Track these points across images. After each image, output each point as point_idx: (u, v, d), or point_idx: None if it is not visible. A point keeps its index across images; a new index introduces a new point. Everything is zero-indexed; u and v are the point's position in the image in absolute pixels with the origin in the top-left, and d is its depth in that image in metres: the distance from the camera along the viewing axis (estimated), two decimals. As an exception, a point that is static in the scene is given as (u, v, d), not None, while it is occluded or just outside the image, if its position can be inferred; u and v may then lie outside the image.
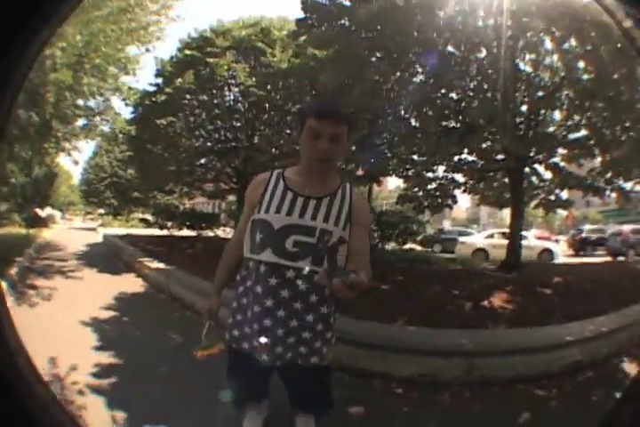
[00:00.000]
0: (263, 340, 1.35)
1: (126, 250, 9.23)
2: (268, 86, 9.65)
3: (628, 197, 6.94)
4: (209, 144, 11.56)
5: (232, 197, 13.38)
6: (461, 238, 14.26)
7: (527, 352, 3.08)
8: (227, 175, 12.21)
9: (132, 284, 6.14)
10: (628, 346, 3.69)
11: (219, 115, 10.67)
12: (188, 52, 10.41)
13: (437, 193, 7.83)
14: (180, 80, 9.69)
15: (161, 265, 6.75)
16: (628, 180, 6.66)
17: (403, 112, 6.86)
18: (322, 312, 1.40)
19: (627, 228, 14.58)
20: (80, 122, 8.78)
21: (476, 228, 25.06)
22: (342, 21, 6.04)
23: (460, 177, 8.02)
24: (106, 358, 3.03)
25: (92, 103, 8.51)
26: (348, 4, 6.05)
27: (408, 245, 8.01)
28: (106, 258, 9.04)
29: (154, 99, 10.14)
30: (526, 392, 2.82)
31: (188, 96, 10.27)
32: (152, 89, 10.86)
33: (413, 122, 6.95)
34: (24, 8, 0.52)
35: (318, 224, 1.37)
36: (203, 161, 12.04)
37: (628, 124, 5.73)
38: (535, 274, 6.82)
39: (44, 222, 19.50)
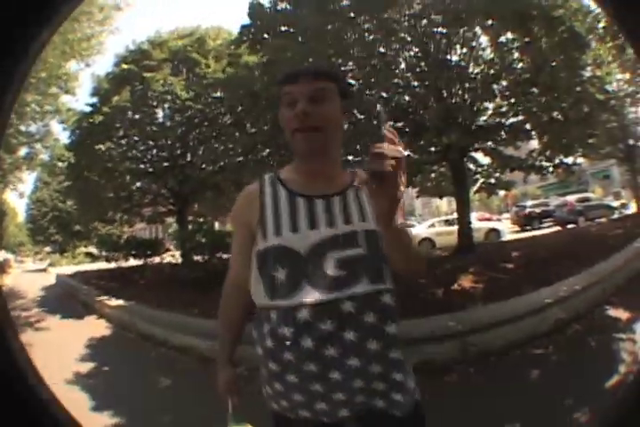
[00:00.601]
0: (338, 397, 0.94)
1: (81, 290, 9.03)
2: (203, 99, 9.51)
3: (571, 170, 7.51)
4: (143, 166, 11.09)
5: (171, 220, 12.94)
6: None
7: (512, 321, 3.30)
8: (163, 197, 11.59)
9: (97, 327, 6.11)
10: (604, 298, 4.15)
11: (152, 133, 10.28)
12: (124, 66, 10.09)
13: None
14: (116, 98, 9.35)
15: (120, 302, 6.74)
16: (569, 155, 7.20)
17: None
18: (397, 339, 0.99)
19: (571, 198, 15.82)
20: (22, 151, 8.33)
21: (414, 219, 25.89)
22: (286, 28, 6.08)
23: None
24: (108, 418, 2.89)
25: (32, 128, 8.11)
26: (292, 12, 6.17)
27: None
28: (63, 301, 8.82)
29: (91, 120, 9.69)
30: (525, 355, 3.11)
31: (125, 115, 9.91)
32: (89, 109, 10.42)
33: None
34: (24, 8, 0.52)
35: (357, 226, 0.97)
36: (139, 184, 11.52)
37: (565, 105, 6.22)
38: (492, 252, 7.23)
39: (1, 268, 18.01)
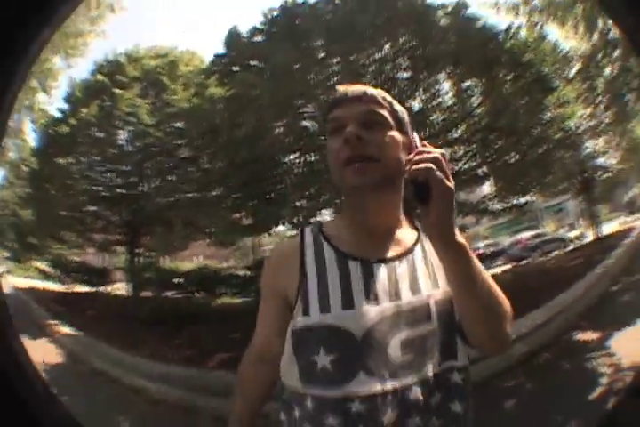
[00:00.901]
0: None
1: (33, 308, 8.82)
2: (164, 127, 9.29)
3: (524, 210, 7.71)
4: (99, 189, 10.63)
5: (121, 249, 12.57)
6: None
7: (473, 362, 3.25)
8: (115, 225, 11.10)
9: (49, 352, 5.90)
10: (569, 326, 4.42)
11: (111, 155, 9.97)
12: (99, 77, 9.85)
13: None
14: (84, 110, 9.10)
15: (71, 331, 6.75)
16: (524, 196, 7.40)
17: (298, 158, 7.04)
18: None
19: (524, 235, 16.44)
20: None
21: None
22: (256, 63, 6.08)
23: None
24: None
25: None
26: (266, 45, 6.19)
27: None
28: (18, 317, 8.33)
29: (57, 129, 9.38)
30: (495, 388, 3.22)
31: (89, 131, 9.60)
32: (59, 115, 10.12)
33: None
34: (24, 8, 0.53)
35: (428, 296, 0.78)
36: (94, 208, 10.99)
37: (523, 148, 6.40)
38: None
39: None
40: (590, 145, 12.41)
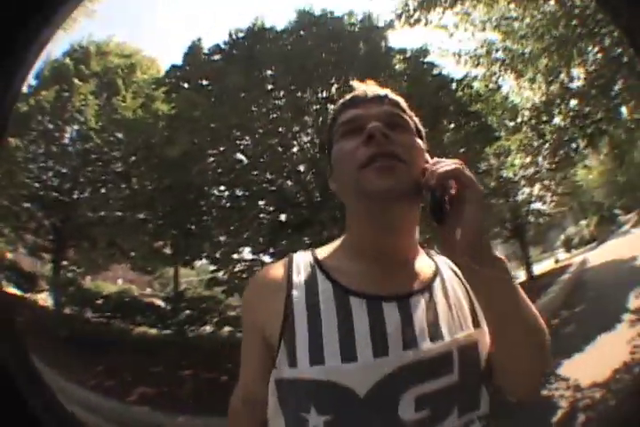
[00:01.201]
0: None
1: None
2: (105, 134, 8.94)
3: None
4: (37, 185, 10.05)
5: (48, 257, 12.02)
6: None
7: None
8: (44, 230, 10.46)
9: None
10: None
11: (53, 152, 9.52)
12: (67, 60, 9.43)
13: (245, 275, 7.25)
14: (44, 93, 8.70)
15: None
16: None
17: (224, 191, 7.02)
18: None
19: None
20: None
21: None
22: (207, 83, 6.03)
23: (267, 258, 7.28)
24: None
25: None
26: (221, 67, 6.20)
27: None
28: None
29: (19, 105, 8.59)
30: None
31: (43, 118, 9.13)
32: (26, 90, 9.27)
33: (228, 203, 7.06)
34: (24, 8, 0.53)
35: (452, 343, 0.63)
36: (29, 205, 10.31)
37: None
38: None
39: None
40: (526, 192, 12.65)
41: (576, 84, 7.69)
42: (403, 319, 0.61)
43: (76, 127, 9.45)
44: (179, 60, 10.00)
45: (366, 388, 0.57)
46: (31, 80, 9.52)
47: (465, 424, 0.62)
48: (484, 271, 0.56)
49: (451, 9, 7.44)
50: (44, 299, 10.23)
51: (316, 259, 0.68)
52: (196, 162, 5.66)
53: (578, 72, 7.64)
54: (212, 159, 6.15)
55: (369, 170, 0.61)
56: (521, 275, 16.46)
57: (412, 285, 0.65)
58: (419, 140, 0.69)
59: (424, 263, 0.69)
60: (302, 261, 0.68)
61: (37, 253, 11.31)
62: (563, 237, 20.63)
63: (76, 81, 9.02)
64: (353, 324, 0.60)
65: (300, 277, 0.65)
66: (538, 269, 15.21)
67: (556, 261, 18.01)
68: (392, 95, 0.73)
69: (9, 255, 13.57)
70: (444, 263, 0.71)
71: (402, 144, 0.64)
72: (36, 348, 5.91)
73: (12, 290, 10.00)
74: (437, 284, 0.67)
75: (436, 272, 0.69)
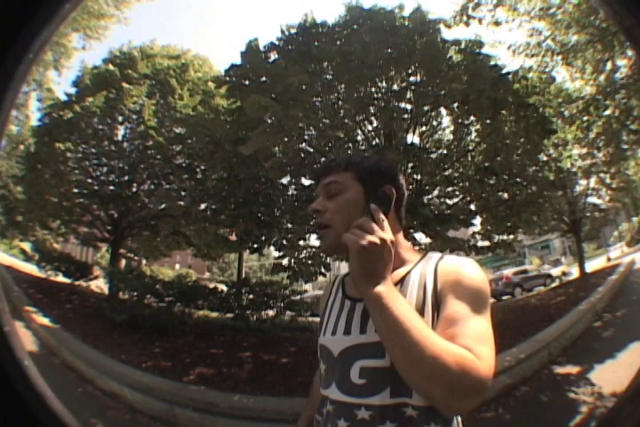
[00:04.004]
0: None
1: (12, 290, 8.69)
2: (165, 131, 9.34)
3: (512, 248, 7.90)
4: (90, 181, 10.66)
5: (103, 246, 12.57)
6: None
7: None
8: (101, 222, 11.13)
9: (24, 339, 5.73)
10: (551, 360, 4.74)
11: (108, 150, 10.03)
12: (111, 67, 9.90)
13: (310, 261, 7.64)
14: (90, 99, 9.15)
15: (46, 321, 6.71)
16: (512, 235, 7.58)
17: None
18: None
19: (507, 271, 16.81)
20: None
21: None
22: (266, 79, 6.16)
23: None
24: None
25: None
26: (280, 64, 6.35)
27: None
28: None
29: (61, 113, 9.38)
30: (475, 419, 3.34)
31: (92, 121, 9.63)
32: (65, 99, 10.10)
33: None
34: (24, 8, 0.54)
35: None
36: (83, 200, 10.96)
37: (516, 188, 6.57)
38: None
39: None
40: (582, 184, 12.54)
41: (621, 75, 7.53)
42: (362, 314, 0.93)
43: (131, 126, 9.89)
44: (224, 57, 10.24)
45: (337, 353, 0.94)
46: (70, 89, 10.34)
47: (397, 404, 0.84)
48: (362, 297, 0.84)
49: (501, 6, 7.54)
50: (100, 286, 10.82)
51: (343, 278, 1.10)
52: (267, 157, 5.85)
53: (622, 63, 7.46)
54: (280, 152, 6.31)
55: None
56: (574, 271, 16.04)
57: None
58: (352, 193, 0.97)
59: (400, 271, 0.96)
60: (339, 278, 1.12)
61: (93, 243, 12.07)
62: (616, 233, 19.83)
63: (125, 85, 9.40)
64: (340, 316, 0.99)
65: (334, 288, 1.10)
66: (592, 265, 14.81)
67: (608, 260, 17.34)
68: (329, 165, 1.04)
69: (56, 246, 14.43)
70: (429, 262, 0.96)
71: (330, 211, 0.96)
72: (87, 332, 6.26)
73: (62, 279, 10.60)
74: (411, 280, 0.93)
75: (403, 278, 0.94)
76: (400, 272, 0.95)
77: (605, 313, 6.89)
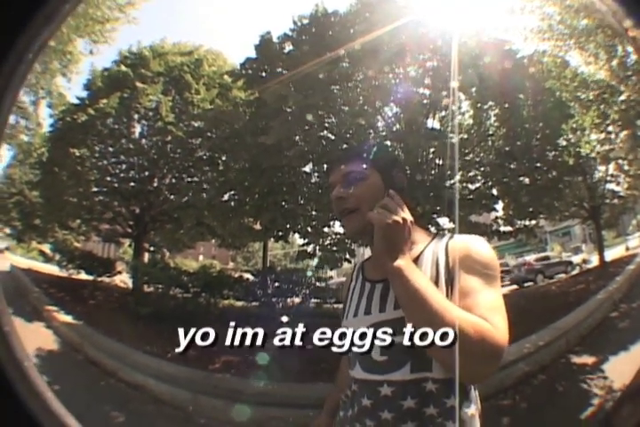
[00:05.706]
0: None
1: (32, 291, 8.85)
2: (184, 126, 9.41)
3: (534, 233, 7.89)
4: (110, 179, 10.82)
5: (126, 241, 12.68)
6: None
7: None
8: (123, 218, 11.27)
9: (45, 338, 5.97)
10: (569, 349, 4.76)
11: (126, 148, 10.19)
12: (122, 68, 10.01)
13: (335, 248, 7.71)
14: (104, 101, 9.26)
15: (69, 319, 6.75)
16: (534, 220, 7.57)
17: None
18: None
19: (529, 258, 16.49)
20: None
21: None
22: (282, 70, 6.24)
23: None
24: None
25: (24, 98, 7.99)
26: (295, 54, 6.44)
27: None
28: (14, 297, 8.33)
29: (75, 117, 9.49)
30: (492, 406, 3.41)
31: (107, 122, 9.76)
32: (77, 102, 10.25)
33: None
34: (24, 8, 0.53)
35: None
36: (102, 198, 11.12)
37: (538, 171, 6.57)
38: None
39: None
40: (601, 170, 12.50)
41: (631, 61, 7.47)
42: (381, 295, 0.99)
43: (148, 123, 10.00)
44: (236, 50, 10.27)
45: (359, 333, 0.91)
46: (81, 93, 10.40)
47: (418, 380, 0.89)
48: (385, 272, 0.90)
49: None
50: (125, 280, 10.91)
51: (363, 263, 1.16)
52: (289, 146, 5.93)
53: (631, 49, 7.40)
54: (302, 141, 6.36)
55: (342, 221, 1.08)
56: (594, 259, 15.83)
57: None
58: (372, 179, 1.04)
59: (414, 251, 1.00)
60: (358, 264, 1.19)
61: (115, 239, 12.29)
62: (634, 222, 19.52)
63: (139, 85, 9.48)
64: (361, 298, 1.03)
65: (354, 273, 1.15)
66: (611, 253, 14.59)
67: (627, 249, 17.09)
68: (344, 155, 1.12)
69: (77, 245, 14.61)
70: (440, 241, 1.02)
71: (356, 196, 1.02)
72: (112, 327, 6.32)
73: (84, 276, 10.68)
74: (425, 259, 0.98)
75: (418, 256, 0.99)
76: (414, 252, 1.00)
77: (622, 304, 6.84)
